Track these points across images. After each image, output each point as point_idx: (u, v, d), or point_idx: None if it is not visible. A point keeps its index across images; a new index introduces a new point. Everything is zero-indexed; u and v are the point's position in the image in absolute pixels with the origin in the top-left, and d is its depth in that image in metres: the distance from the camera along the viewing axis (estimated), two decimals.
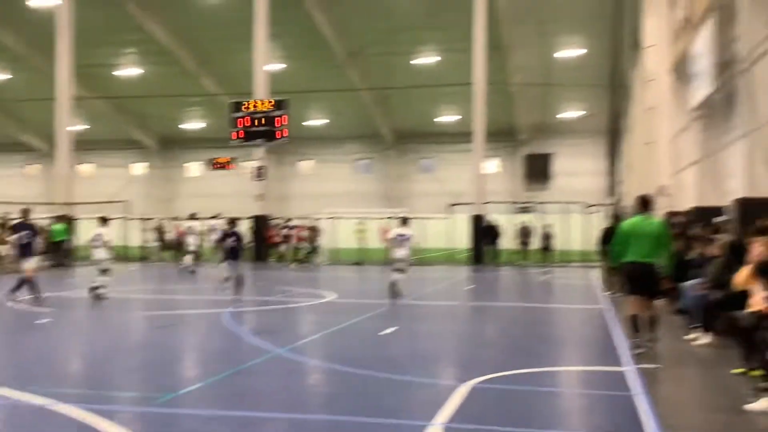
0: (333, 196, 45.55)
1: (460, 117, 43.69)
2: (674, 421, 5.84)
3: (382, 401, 6.57)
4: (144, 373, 8.04)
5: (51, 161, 47.16)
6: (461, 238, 30.13)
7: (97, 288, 14.85)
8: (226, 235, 15.77)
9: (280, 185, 49.64)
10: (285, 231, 31.37)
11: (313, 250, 30.85)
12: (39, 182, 52.10)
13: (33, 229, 14.92)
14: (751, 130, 15.41)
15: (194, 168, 52.48)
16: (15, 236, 14.79)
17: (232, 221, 16.09)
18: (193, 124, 48.74)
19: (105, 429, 5.50)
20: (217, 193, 48.36)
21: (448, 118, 45.76)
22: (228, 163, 46.13)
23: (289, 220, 32.28)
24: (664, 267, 8.86)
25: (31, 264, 14.34)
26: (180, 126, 48.88)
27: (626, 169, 37.91)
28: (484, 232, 29.25)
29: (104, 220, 15.84)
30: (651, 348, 8.73)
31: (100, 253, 15.02)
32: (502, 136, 45.18)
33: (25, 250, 14.34)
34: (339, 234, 32.73)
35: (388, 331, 10.83)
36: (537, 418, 5.97)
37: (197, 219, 26.32)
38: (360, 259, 30.64)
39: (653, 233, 8.82)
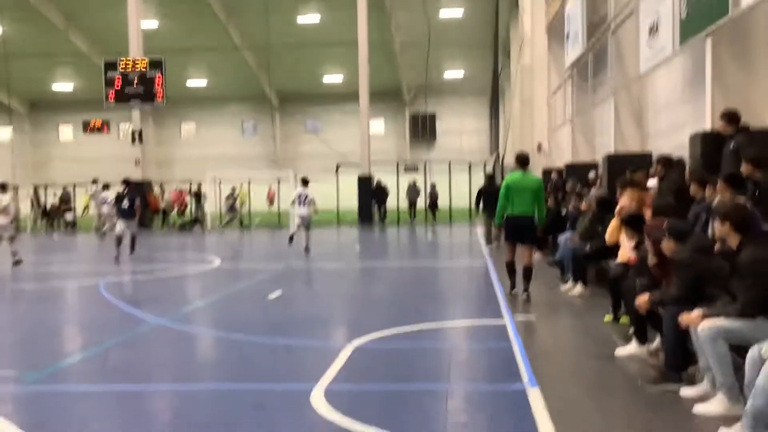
0: (218, 160, 44.50)
1: (345, 77, 43.52)
2: (547, 369, 6.12)
3: (268, 366, 6.53)
4: (12, 351, 7.61)
5: None
6: (349, 199, 30.21)
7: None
8: (120, 197, 16.71)
9: (161, 149, 47.93)
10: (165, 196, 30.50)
11: (198, 216, 30.12)
12: None
13: None
14: (618, 88, 16.20)
15: (67, 132, 49.77)
16: None
17: (127, 183, 17.33)
18: (64, 86, 46.06)
19: None
20: (92, 157, 46.20)
21: (333, 78, 45.48)
22: (103, 126, 44.11)
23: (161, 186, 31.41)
24: (538, 219, 9.67)
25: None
26: (50, 88, 46.05)
27: (506, 128, 39.03)
28: (373, 193, 29.46)
29: (3, 187, 15.60)
30: (524, 293, 9.58)
31: (2, 220, 15.09)
32: (387, 96, 45.45)
33: None
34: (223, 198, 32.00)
35: (274, 295, 10.74)
36: (418, 374, 6.10)
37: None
38: (246, 223, 30.20)
39: (531, 188, 9.56)
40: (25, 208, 30.98)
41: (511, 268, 10.00)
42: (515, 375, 5.89)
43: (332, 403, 5.19)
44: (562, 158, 22.20)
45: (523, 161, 9.80)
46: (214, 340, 7.84)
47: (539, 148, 25.49)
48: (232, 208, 29.16)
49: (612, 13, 16.30)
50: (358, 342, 7.19)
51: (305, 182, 17.34)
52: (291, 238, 17.72)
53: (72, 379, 6.28)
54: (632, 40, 14.41)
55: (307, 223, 17.00)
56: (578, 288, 9.97)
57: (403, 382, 5.82)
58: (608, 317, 8.02)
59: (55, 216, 31.82)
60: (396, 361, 6.62)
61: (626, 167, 10.55)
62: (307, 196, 16.96)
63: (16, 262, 15.15)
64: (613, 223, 8.78)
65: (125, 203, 16.57)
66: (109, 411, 5.29)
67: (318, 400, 5.31)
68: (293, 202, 17.45)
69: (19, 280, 13.89)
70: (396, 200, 30.65)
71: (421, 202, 31.57)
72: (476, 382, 5.91)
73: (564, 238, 11.65)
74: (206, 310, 9.82)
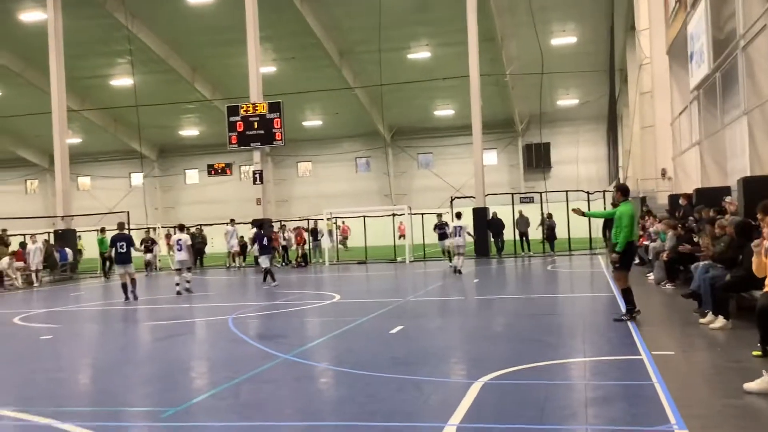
0: (333, 196, 45.45)
1: (457, 110, 43.60)
2: (694, 409, 5.68)
3: (395, 403, 6.41)
4: (149, 387, 7.89)
5: (50, 175, 47.18)
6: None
7: (187, 285, 18.28)
8: (259, 236, 20.30)
9: (279, 188, 49.56)
10: (285, 233, 31.32)
11: (315, 251, 30.75)
12: (39, 197, 52.09)
13: (128, 240, 17.54)
14: (751, 108, 15.25)
15: (193, 175, 52.35)
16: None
17: (260, 223, 21.73)
18: (190, 131, 48.65)
19: None
20: (216, 198, 48.28)
21: (444, 112, 45.66)
22: (225, 168, 46.13)
23: (282, 224, 32.32)
24: (618, 245, 10.22)
25: (129, 269, 17.26)
26: (177, 133, 48.78)
27: (626, 155, 37.71)
28: (488, 225, 29.10)
29: (183, 227, 19.58)
30: (632, 316, 10.22)
31: (182, 255, 18.30)
32: (499, 126, 45.13)
33: (123, 258, 17.16)
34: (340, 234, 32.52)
35: (396, 330, 10.68)
36: (553, 414, 5.81)
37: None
38: (363, 257, 30.51)
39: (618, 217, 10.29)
40: (161, 249, 32.61)
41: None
42: (660, 415, 5.50)
43: None
44: (689, 184, 21.13)
45: (623, 191, 10.67)
46: (340, 375, 7.81)
47: (663, 174, 24.41)
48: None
49: (741, 30, 15.44)
50: (485, 378, 6.97)
51: (459, 216, 21.27)
52: (457, 270, 20.73)
53: (205, 416, 6.40)
54: (764, 56, 13.57)
55: (462, 251, 20.86)
56: (720, 321, 9.30)
57: (538, 423, 5.55)
58: (756, 352, 7.41)
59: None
60: (528, 399, 6.34)
61: (764, 191, 9.87)
62: (462, 228, 20.88)
63: (187, 290, 18.17)
64: (760, 254, 8.13)
65: (265, 241, 19.82)
66: None
67: None
68: (450, 234, 21.71)
69: (155, 317, 14.55)
70: (512, 232, 30.10)
71: (536, 233, 30.83)
72: (617, 422, 5.54)
73: (699, 267, 10.96)
74: (330, 345, 9.86)
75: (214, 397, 6.99)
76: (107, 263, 26.66)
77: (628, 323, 9.95)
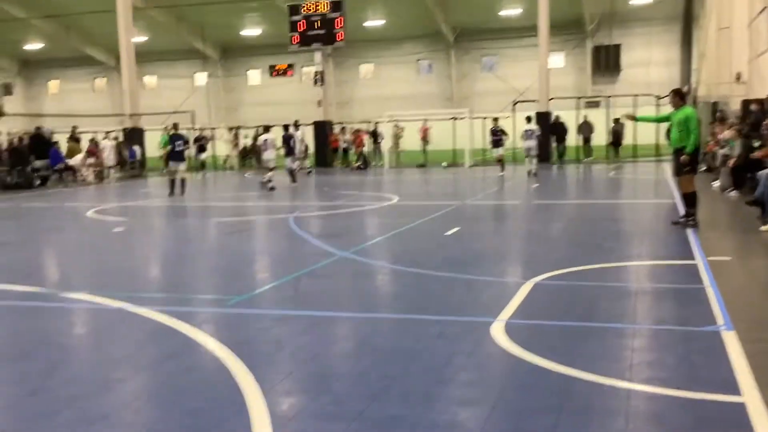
0: (395, 99, 45.07)
1: (524, 10, 42.00)
2: (744, 312, 5.73)
3: (447, 299, 6.64)
4: (216, 277, 8.33)
5: (116, 74, 48.05)
6: None
7: (268, 181, 19.37)
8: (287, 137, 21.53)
9: (340, 90, 49.33)
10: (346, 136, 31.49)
11: (375, 154, 30.91)
12: (105, 95, 53.24)
13: (184, 139, 19.03)
14: None
15: (255, 76, 52.48)
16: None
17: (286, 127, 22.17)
18: (252, 31, 48.34)
19: (180, 329, 5.76)
20: (278, 100, 48.47)
21: (510, 11, 44.00)
22: (287, 69, 46.04)
23: (343, 126, 32.38)
24: (688, 148, 10.08)
25: (182, 167, 18.67)
26: (239, 33, 48.59)
27: (700, 58, 36.01)
28: (551, 130, 28.59)
29: (267, 128, 20.83)
30: (683, 218, 10.24)
31: (269, 154, 19.75)
32: (567, 28, 43.39)
33: (178, 156, 18.58)
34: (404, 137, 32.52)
35: (452, 231, 10.85)
36: (601, 313, 5.94)
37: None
38: (423, 161, 30.53)
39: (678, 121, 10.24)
40: (222, 149, 33.27)
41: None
42: (708, 317, 5.57)
43: (512, 337, 5.21)
44: (764, 89, 20.19)
45: (680, 95, 10.57)
46: (395, 272, 8.07)
47: (738, 78, 23.35)
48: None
49: None
50: (537, 278, 7.12)
51: (530, 119, 22.71)
52: (532, 173, 21.81)
53: (268, 304, 6.77)
54: None
55: (535, 153, 22.19)
56: None
57: (586, 320, 5.69)
58: None
59: (249, 156, 33.90)
60: (578, 298, 6.48)
61: None
62: (533, 131, 22.03)
63: (271, 188, 19.21)
64: None
65: (292, 142, 21.39)
66: (301, 333, 5.65)
67: (498, 332, 5.35)
68: (522, 136, 22.43)
69: (219, 214, 15.09)
70: (575, 137, 29.52)
71: (600, 139, 30.15)
72: (665, 322, 5.64)
73: (764, 174, 10.67)
74: (387, 245, 10.12)
75: (276, 288, 7.35)
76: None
77: (687, 230, 9.87)
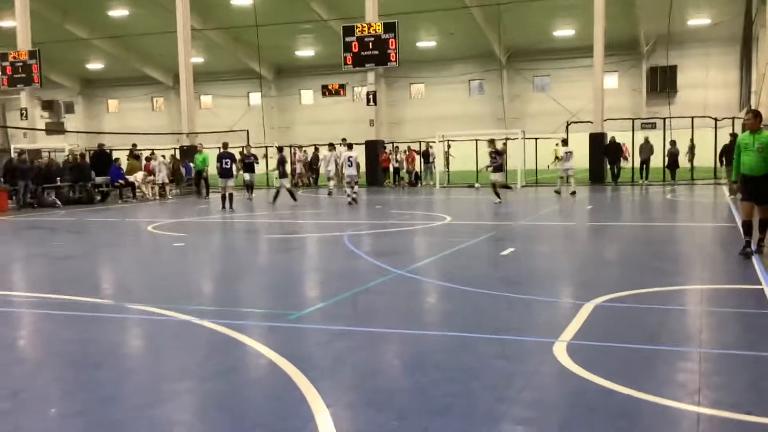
0: (446, 119, 45.15)
1: (578, 31, 41.78)
2: None
3: (505, 319, 6.62)
4: (274, 293, 8.45)
5: (174, 93, 49.29)
6: (580, 157, 29.21)
7: (354, 198, 21.08)
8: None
9: (392, 110, 49.66)
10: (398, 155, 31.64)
11: (426, 173, 30.97)
12: (163, 114, 54.63)
13: (232, 157, 20.52)
14: None
15: (308, 96, 53.21)
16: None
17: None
18: (306, 52, 49.15)
19: (244, 342, 5.87)
20: (330, 119, 49.02)
21: (563, 32, 43.82)
22: (339, 89, 46.54)
23: (396, 146, 32.56)
24: None
25: (230, 183, 20.19)
26: (293, 54, 49.44)
27: (760, 79, 35.18)
28: (605, 151, 28.27)
29: (350, 146, 22.75)
30: (759, 245, 9.45)
31: (352, 171, 21.69)
32: (622, 48, 42.97)
33: (226, 173, 20.06)
34: (456, 157, 32.54)
35: (507, 251, 10.81)
36: (666, 336, 5.84)
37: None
38: (473, 181, 30.46)
39: (761, 146, 9.34)
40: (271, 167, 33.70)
41: (746, 228, 9.65)
42: None
43: (575, 358, 5.16)
44: None
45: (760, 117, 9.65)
46: (452, 291, 8.06)
47: None
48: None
49: None
50: (598, 300, 7.04)
51: (565, 142, 24.08)
52: (566, 192, 22.73)
53: (327, 320, 6.84)
54: None
55: (569, 173, 23.44)
56: None
57: (650, 344, 5.60)
58: None
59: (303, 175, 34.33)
60: (641, 321, 6.38)
61: None
62: (570, 153, 23.37)
63: (353, 200, 20.88)
64: None
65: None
66: (360, 348, 5.70)
67: (561, 353, 5.31)
68: (561, 159, 23.97)
69: (273, 230, 15.31)
70: (631, 159, 29.11)
71: (658, 162, 29.65)
72: (733, 347, 5.52)
73: None
74: (442, 264, 10.12)
75: (334, 305, 7.43)
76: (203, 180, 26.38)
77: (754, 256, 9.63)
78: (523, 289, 7.86)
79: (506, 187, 21.83)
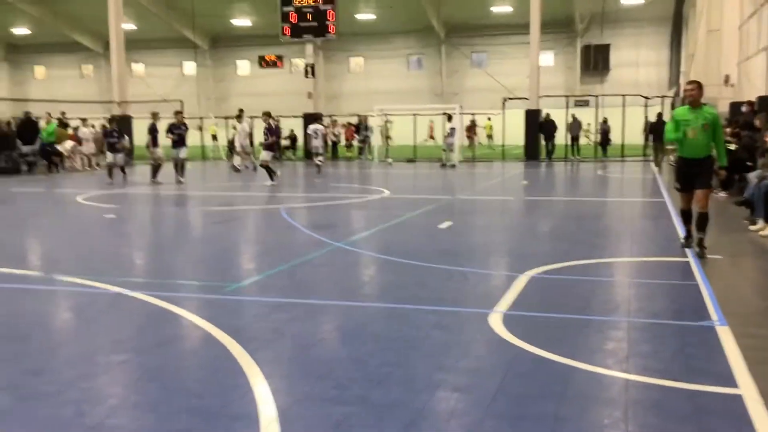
0: (384, 93, 45.04)
1: (515, 7, 42.09)
2: (737, 308, 5.82)
3: (442, 291, 6.69)
4: (211, 265, 8.33)
5: (104, 61, 47.62)
6: (516, 134, 29.64)
7: (320, 163, 23.06)
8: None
9: (330, 83, 49.24)
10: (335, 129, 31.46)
11: (364, 148, 30.89)
12: (93, 82, 52.81)
13: (185, 126, 19.44)
14: None
15: (244, 66, 52.23)
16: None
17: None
18: (243, 21, 48.10)
19: (180, 314, 5.77)
20: (267, 91, 48.28)
21: (501, 8, 44.07)
22: (277, 60, 45.84)
23: (333, 119, 32.34)
24: (719, 158, 8.26)
25: (184, 153, 19.15)
26: (230, 23, 48.34)
27: (688, 59, 36.29)
28: (540, 128, 28.72)
29: (319, 118, 23.76)
30: (698, 247, 8.03)
31: (318, 142, 23.50)
32: (558, 26, 43.56)
33: (177, 143, 19.04)
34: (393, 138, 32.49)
35: (444, 225, 10.91)
36: (597, 306, 6.02)
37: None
38: (412, 156, 30.56)
39: (703, 124, 8.00)
40: (206, 140, 33.10)
41: (685, 217, 8.52)
42: (702, 312, 5.66)
43: (510, 328, 5.27)
44: (753, 91, 20.41)
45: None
46: (391, 264, 8.10)
47: (726, 80, 23.58)
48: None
49: None
50: (532, 272, 7.19)
51: (450, 118, 24.90)
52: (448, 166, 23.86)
53: (265, 292, 6.79)
54: None
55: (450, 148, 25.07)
56: None
57: (582, 313, 5.77)
58: None
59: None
60: (573, 292, 6.55)
61: None
62: (454, 129, 25.00)
63: (319, 168, 22.60)
64: None
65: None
66: (298, 319, 5.68)
67: (496, 323, 5.41)
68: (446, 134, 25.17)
69: (211, 203, 15.06)
70: (564, 136, 29.67)
71: (589, 138, 30.32)
72: (660, 316, 5.72)
73: (753, 175, 10.83)
74: (380, 237, 10.16)
75: (272, 277, 7.38)
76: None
77: (678, 228, 9.96)
78: (460, 262, 7.96)
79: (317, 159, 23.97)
